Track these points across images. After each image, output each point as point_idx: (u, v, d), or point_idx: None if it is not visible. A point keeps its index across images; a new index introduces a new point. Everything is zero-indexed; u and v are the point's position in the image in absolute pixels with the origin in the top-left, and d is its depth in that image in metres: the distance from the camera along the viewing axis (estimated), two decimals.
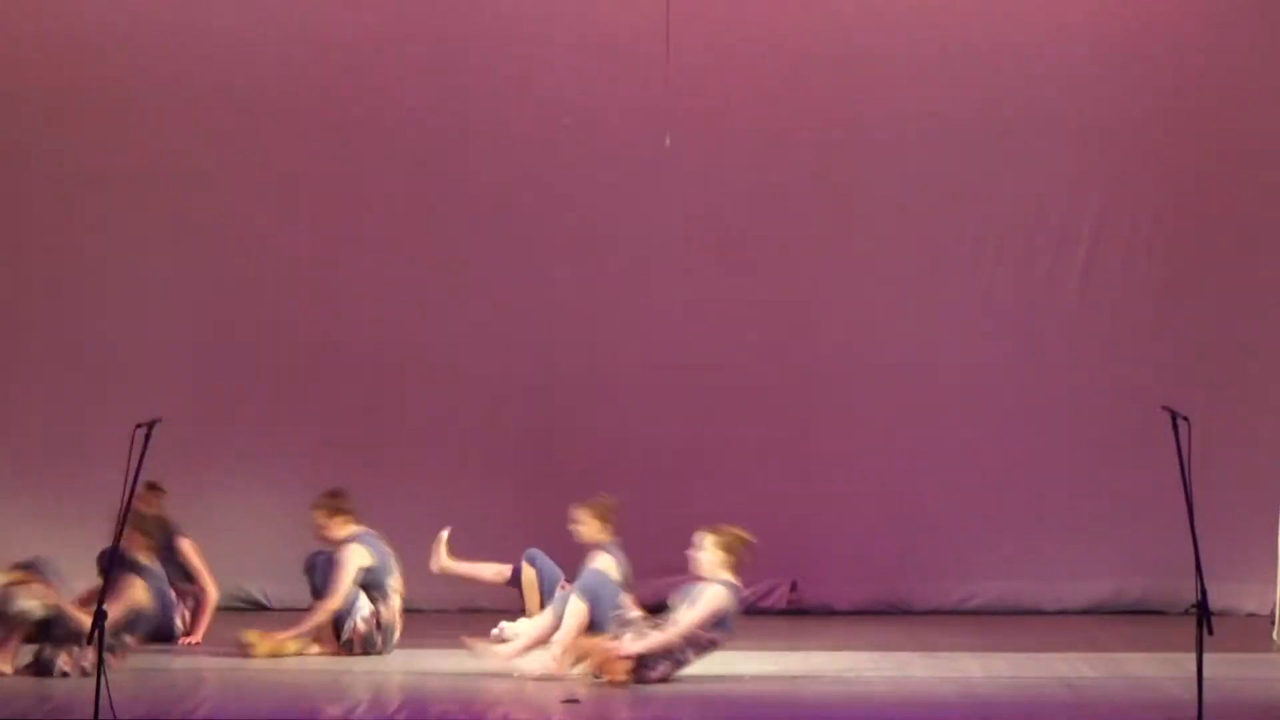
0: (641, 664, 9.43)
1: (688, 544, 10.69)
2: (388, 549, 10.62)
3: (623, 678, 9.36)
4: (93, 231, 12.79)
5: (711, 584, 9.58)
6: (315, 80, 12.88)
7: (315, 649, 10.55)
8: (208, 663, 10.03)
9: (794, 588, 12.87)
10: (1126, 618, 12.51)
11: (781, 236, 12.97)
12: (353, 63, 12.89)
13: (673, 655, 9.52)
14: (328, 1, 12.98)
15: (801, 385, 12.89)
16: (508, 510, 11.94)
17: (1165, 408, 8.13)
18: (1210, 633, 7.81)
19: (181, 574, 11.20)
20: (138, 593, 9.83)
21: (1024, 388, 12.88)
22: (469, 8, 12.98)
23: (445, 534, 11.04)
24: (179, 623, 10.99)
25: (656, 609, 9.95)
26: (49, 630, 9.50)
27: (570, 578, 10.42)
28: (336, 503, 10.85)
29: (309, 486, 12.71)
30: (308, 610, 10.62)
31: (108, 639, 8.53)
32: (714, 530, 9.70)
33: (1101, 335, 12.90)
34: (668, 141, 12.10)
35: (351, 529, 10.70)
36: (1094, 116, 12.86)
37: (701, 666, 10.00)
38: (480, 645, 9.95)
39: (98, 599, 8.00)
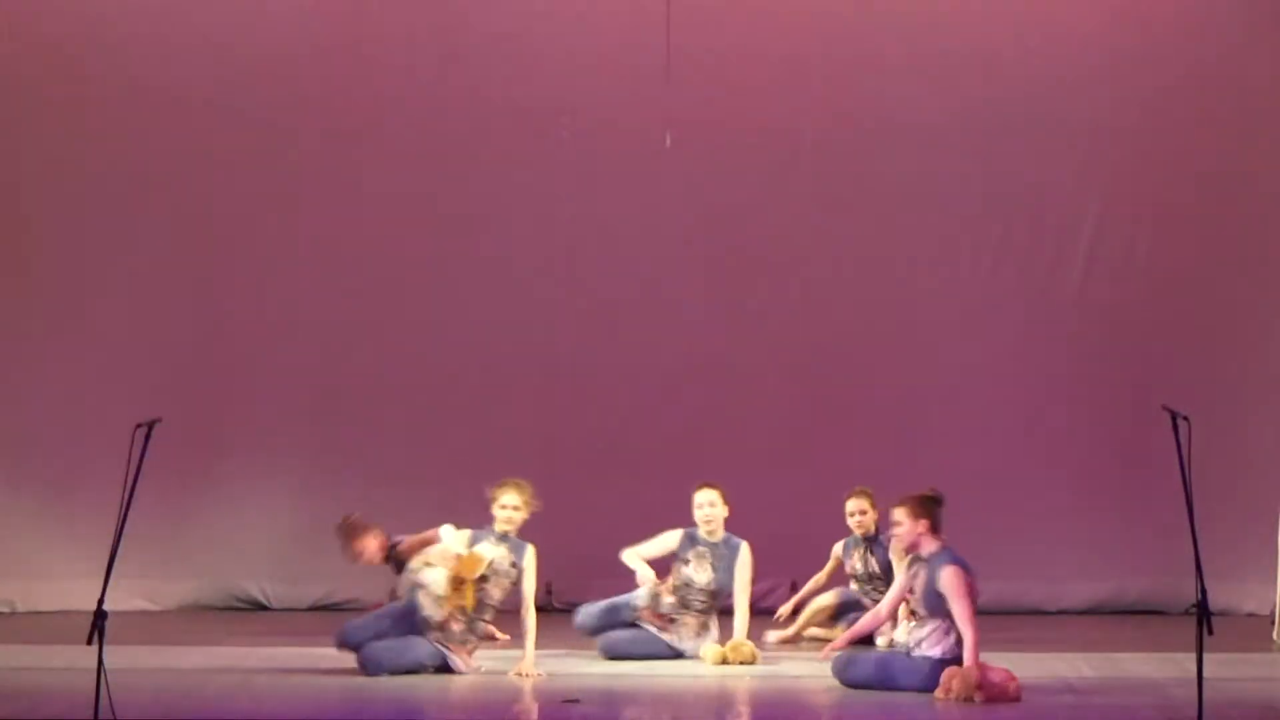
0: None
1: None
2: None
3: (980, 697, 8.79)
4: (92, 232, 12.80)
5: (942, 564, 8.96)
6: (317, 83, 12.89)
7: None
8: (208, 663, 10.01)
9: (794, 588, 12.85)
10: (1126, 618, 12.52)
11: (781, 236, 12.98)
12: (353, 65, 12.91)
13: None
14: (329, 5, 12.98)
15: (801, 384, 12.90)
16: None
17: (1165, 408, 8.13)
18: (1210, 633, 7.81)
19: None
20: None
21: (1024, 388, 12.89)
22: (469, 9, 12.98)
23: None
24: None
25: None
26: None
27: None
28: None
29: (309, 487, 12.80)
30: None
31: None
32: (902, 501, 9.12)
33: (1101, 335, 12.90)
34: (668, 141, 12.10)
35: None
36: (1094, 116, 12.87)
37: (702, 666, 10.02)
38: None
39: (99, 600, 7.97)
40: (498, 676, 9.72)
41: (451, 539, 9.75)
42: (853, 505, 11.27)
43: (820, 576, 11.56)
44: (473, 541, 9.82)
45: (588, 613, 10.52)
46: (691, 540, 10.49)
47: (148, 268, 12.81)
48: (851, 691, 9.29)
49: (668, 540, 10.50)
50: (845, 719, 8.83)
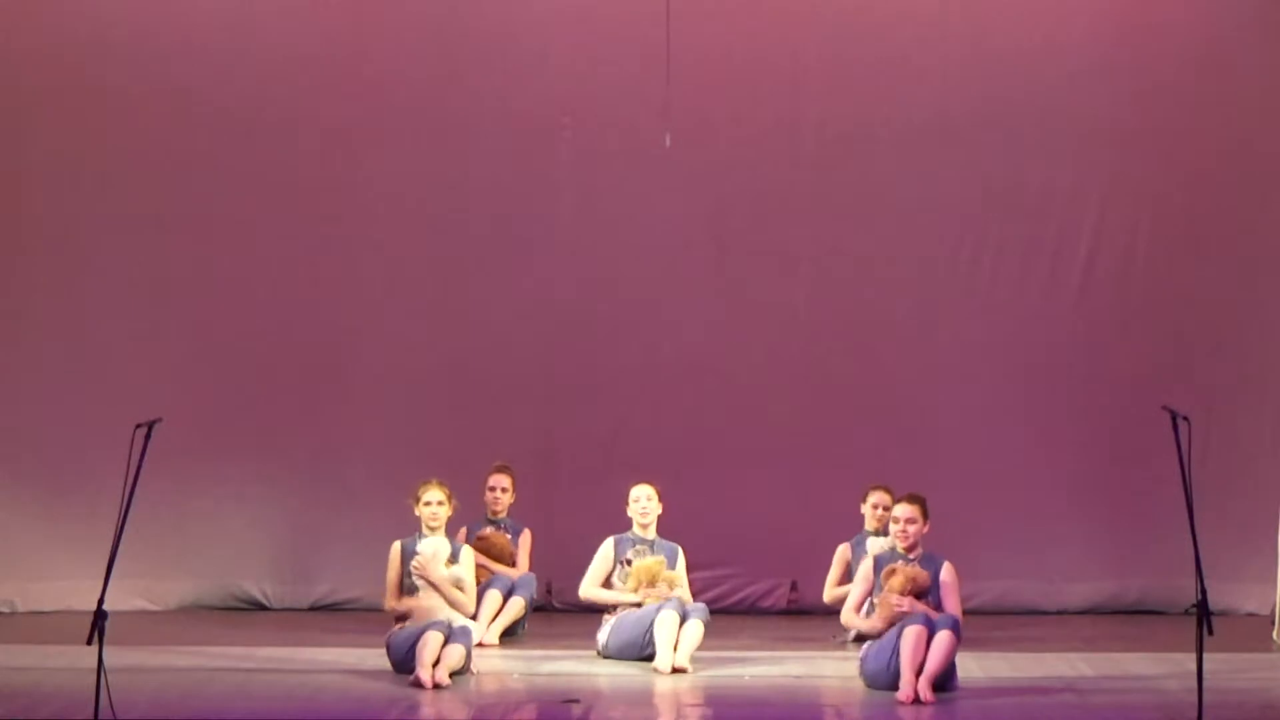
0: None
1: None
2: None
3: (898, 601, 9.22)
4: (92, 233, 12.77)
5: (942, 561, 9.47)
6: (317, 82, 12.86)
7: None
8: (208, 663, 10.01)
9: (794, 588, 12.87)
10: (1126, 618, 12.50)
11: (781, 236, 12.97)
12: (351, 61, 12.88)
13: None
14: (329, 4, 12.96)
15: (801, 384, 12.88)
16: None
17: (1165, 408, 8.13)
18: (1210, 633, 7.81)
19: None
20: None
21: (1024, 387, 12.86)
22: (468, 7, 12.97)
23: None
24: None
25: None
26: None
27: None
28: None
29: (309, 487, 12.78)
30: None
31: None
32: (914, 500, 9.54)
33: (1102, 335, 12.89)
34: (668, 141, 12.09)
35: None
36: (1094, 117, 12.85)
37: (701, 666, 10.02)
38: None
39: (99, 600, 7.96)
40: (496, 677, 9.73)
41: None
42: (876, 498, 11.28)
43: (831, 580, 11.49)
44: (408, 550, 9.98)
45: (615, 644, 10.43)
46: (628, 541, 10.52)
47: (147, 268, 12.79)
48: (853, 689, 9.31)
49: (605, 553, 10.53)
50: (847, 718, 8.85)
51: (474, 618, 10.21)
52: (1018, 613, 12.56)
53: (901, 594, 9.29)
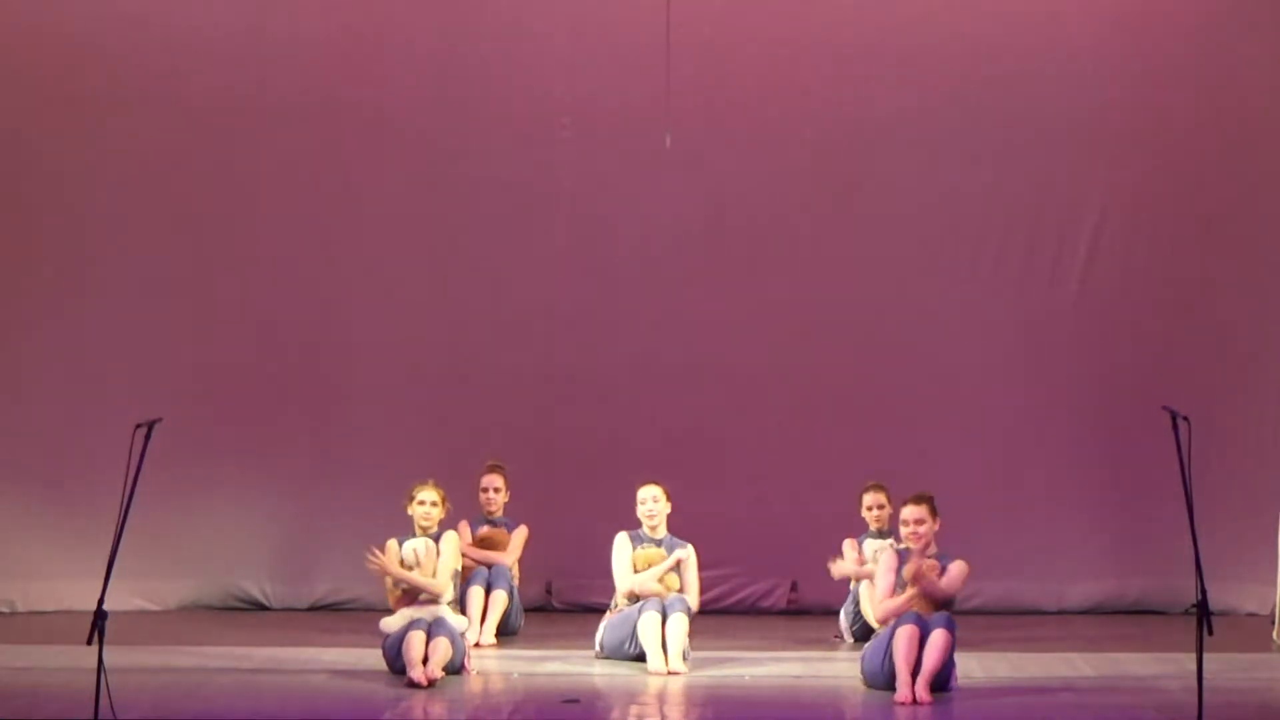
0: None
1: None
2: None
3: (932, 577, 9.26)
4: (92, 233, 12.78)
5: (952, 559, 9.45)
6: (315, 80, 12.87)
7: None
8: (208, 663, 10.02)
9: (794, 588, 12.88)
10: (1126, 618, 12.51)
11: (782, 236, 12.97)
12: (352, 62, 12.88)
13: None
14: (328, 3, 12.97)
15: (801, 384, 12.89)
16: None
17: (1165, 408, 8.13)
18: (1210, 633, 7.81)
19: None
20: None
21: (1024, 387, 12.87)
22: (469, 7, 12.98)
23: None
24: None
25: None
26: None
27: None
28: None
29: (309, 487, 12.79)
30: None
31: None
32: (921, 500, 9.51)
33: (1101, 335, 12.89)
34: (668, 141, 12.09)
35: None
36: (1094, 116, 12.85)
37: (701, 666, 10.02)
38: None
39: (99, 600, 7.97)
40: (496, 677, 9.73)
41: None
42: (870, 499, 11.25)
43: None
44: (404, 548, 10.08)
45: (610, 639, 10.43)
46: (637, 539, 10.51)
47: (148, 267, 12.80)
48: (853, 689, 9.31)
49: (622, 544, 10.48)
50: (846, 718, 8.85)
51: (463, 613, 10.32)
52: (1018, 613, 12.56)
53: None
